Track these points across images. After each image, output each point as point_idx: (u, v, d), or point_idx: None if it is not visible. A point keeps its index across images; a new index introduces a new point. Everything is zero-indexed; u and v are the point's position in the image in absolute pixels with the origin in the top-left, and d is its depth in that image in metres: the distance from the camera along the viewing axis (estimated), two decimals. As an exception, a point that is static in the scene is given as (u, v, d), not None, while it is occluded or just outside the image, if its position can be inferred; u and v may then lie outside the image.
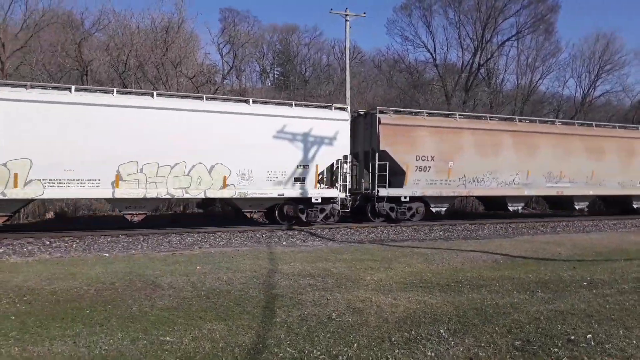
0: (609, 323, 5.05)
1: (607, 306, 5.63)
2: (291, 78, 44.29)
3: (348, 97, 22.08)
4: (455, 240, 14.00)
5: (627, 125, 23.29)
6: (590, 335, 4.73)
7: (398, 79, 38.21)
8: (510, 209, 19.27)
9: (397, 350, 4.61)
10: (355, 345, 4.76)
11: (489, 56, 34.73)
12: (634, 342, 4.54)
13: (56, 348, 4.58)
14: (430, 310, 5.90)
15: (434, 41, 35.83)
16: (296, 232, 14.62)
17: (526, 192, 19.07)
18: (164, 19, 27.58)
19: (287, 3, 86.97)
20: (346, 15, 22.38)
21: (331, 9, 22.40)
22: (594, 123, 21.63)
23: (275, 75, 47.76)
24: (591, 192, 20.35)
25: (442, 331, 5.08)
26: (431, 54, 35.72)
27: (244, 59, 35.76)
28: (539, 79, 36.61)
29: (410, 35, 36.40)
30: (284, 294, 6.71)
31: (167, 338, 4.88)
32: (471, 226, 17.49)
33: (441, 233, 15.67)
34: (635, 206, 21.66)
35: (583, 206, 21.04)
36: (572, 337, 4.71)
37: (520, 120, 19.77)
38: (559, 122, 21.05)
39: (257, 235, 13.91)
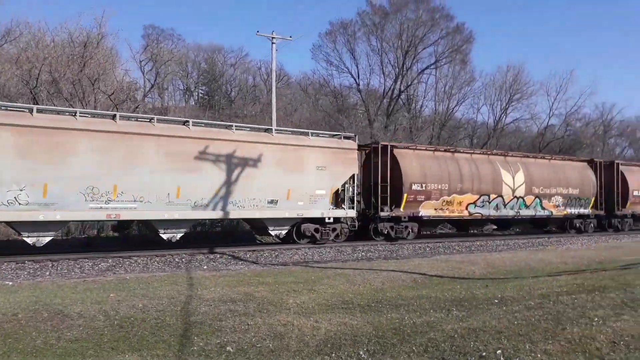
0: (517, 338, 5.31)
1: (516, 322, 5.93)
2: (216, 97, 43.82)
3: (274, 119, 22.19)
4: (376, 260, 14.27)
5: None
6: (500, 351, 4.95)
7: (323, 102, 38.91)
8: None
9: (317, 374, 4.59)
10: (275, 370, 4.69)
11: (409, 83, 36.28)
12: (539, 355, 4.80)
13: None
14: (351, 331, 5.94)
15: (357, 67, 36.98)
16: (218, 256, 14.31)
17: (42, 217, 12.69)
18: (83, 33, 26.53)
19: (212, 23, 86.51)
20: (272, 38, 22.59)
21: (258, 31, 22.56)
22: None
23: (200, 94, 47.04)
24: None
25: (361, 352, 5.13)
26: (355, 79, 36.82)
27: (166, 77, 34.97)
28: (455, 105, 38.73)
29: (334, 60, 37.36)
30: (202, 321, 6.50)
31: (74, 372, 4.57)
32: (391, 246, 17.95)
33: (363, 254, 15.94)
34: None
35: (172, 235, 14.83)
36: (484, 354, 4.91)
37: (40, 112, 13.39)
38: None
39: (176, 260, 13.47)
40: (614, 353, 4.76)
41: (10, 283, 9.66)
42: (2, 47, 26.58)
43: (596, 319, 5.78)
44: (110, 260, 12.89)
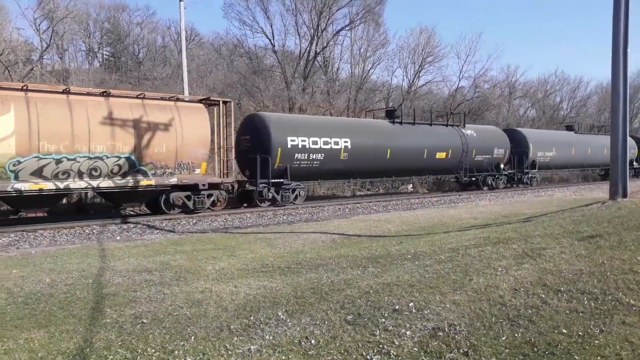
0: (428, 291, 5.59)
1: (427, 275, 6.22)
2: (123, 59, 41.25)
3: (185, 81, 21.34)
4: (297, 223, 14.41)
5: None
6: (412, 304, 5.18)
7: (238, 64, 37.86)
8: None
9: (236, 338, 4.57)
10: (192, 338, 4.62)
11: (325, 45, 36.06)
12: (448, 305, 5.08)
13: None
14: (270, 294, 5.97)
15: (272, 27, 36.10)
16: (132, 226, 13.78)
17: None
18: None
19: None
20: (180, -5, 21.48)
21: (164, -12, 21.27)
22: None
23: (105, 56, 44.06)
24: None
25: (280, 313, 5.17)
26: (270, 40, 35.99)
27: (64, 35, 32.33)
28: (371, 68, 39.09)
29: (248, 20, 36.18)
30: (116, 293, 6.26)
31: (-29, 356, 4.25)
32: (312, 209, 18.16)
33: (285, 217, 16.01)
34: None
35: None
36: (397, 307, 5.12)
37: None
38: None
39: (87, 231, 12.82)
40: (514, 299, 5.13)
41: None
42: None
43: (500, 269, 6.19)
44: (12, 235, 12.03)
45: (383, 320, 4.82)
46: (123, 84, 32.28)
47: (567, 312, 4.71)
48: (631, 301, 4.78)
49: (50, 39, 30.84)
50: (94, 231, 12.86)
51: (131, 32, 43.04)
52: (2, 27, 25.45)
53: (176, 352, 4.32)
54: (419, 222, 13.06)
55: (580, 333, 4.24)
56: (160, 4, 67.26)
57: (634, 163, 37.69)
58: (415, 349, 4.22)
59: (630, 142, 41.48)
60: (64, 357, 4.28)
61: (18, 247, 10.78)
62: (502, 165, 27.60)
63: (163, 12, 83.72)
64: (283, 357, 4.17)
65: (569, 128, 35.77)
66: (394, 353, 4.16)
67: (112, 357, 4.25)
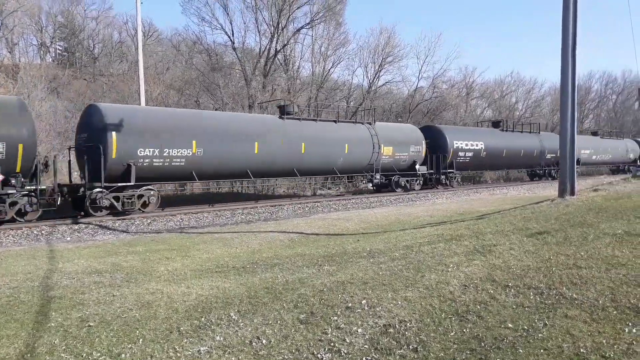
0: (380, 288, 5.63)
1: (381, 272, 6.27)
2: (77, 54, 39.99)
3: (142, 78, 20.86)
4: (256, 222, 14.30)
5: None
6: (364, 301, 5.20)
7: (197, 61, 37.30)
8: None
9: (185, 340, 4.49)
10: (140, 340, 4.50)
11: (286, 42, 35.94)
12: (399, 302, 5.13)
13: None
14: (223, 294, 5.88)
15: (231, 24, 35.74)
16: (83, 226, 13.37)
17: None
18: None
19: (70, -29, 77.99)
20: (136, -11, 20.98)
21: (119, -18, 20.73)
22: None
23: (58, 51, 42.58)
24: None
25: (232, 314, 5.10)
26: (229, 37, 35.60)
27: (14, 29, 31.08)
28: (331, 67, 39.26)
29: (207, 16, 35.68)
30: (62, 295, 6.04)
31: None
32: (272, 208, 18.07)
33: (243, 217, 15.87)
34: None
35: None
36: (350, 304, 5.14)
37: None
38: None
39: (35, 232, 12.36)
40: (464, 295, 5.23)
41: None
42: None
43: (451, 265, 6.30)
44: (-47, 237, 11.48)
45: (335, 318, 4.82)
46: (77, 80, 31.29)
47: (514, 307, 4.82)
48: (574, 295, 4.94)
49: (0, 31, 29.64)
50: (42, 232, 12.40)
51: (86, 27, 41.80)
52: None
53: (123, 355, 4.21)
54: (377, 220, 13.18)
55: (525, 327, 4.36)
56: (117, -2, 65.64)
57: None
58: (366, 346, 4.25)
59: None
60: (2, 363, 4.11)
61: (-40, 249, 10.29)
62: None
63: (120, 6, 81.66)
64: (233, 358, 4.12)
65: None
66: (345, 351, 4.17)
67: (54, 362, 4.10)
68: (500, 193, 24.35)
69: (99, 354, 4.25)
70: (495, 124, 32.52)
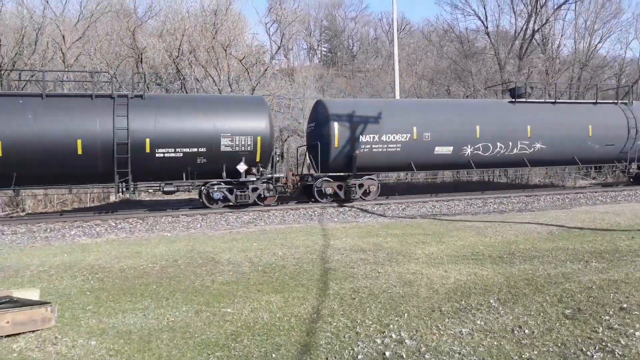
0: (665, 292, 4.98)
1: (665, 275, 5.53)
2: (339, 54, 44.03)
3: (397, 70, 21.89)
4: (509, 212, 13.80)
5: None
6: (644, 304, 4.70)
7: (449, 49, 37.26)
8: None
9: (447, 320, 4.75)
10: (405, 315, 4.93)
11: (544, 21, 33.20)
12: (691, 310, 4.49)
13: (128, 320, 5.01)
14: (481, 281, 5.98)
15: (485, 8, 34.70)
16: (347, 209, 14.84)
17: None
18: (213, 1, 28.07)
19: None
20: (392, -14, 22.01)
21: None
22: None
23: (323, 52, 47.56)
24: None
25: (492, 301, 5.17)
26: (482, 22, 34.59)
27: (291, 38, 35.88)
28: (599, 42, 34.78)
29: (459, 3, 35.36)
30: (336, 268, 6.95)
31: (228, 310, 5.22)
32: (526, 198, 17.15)
33: (495, 206, 15.47)
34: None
35: None
36: (625, 305, 4.70)
37: None
38: None
39: (309, 213, 14.23)
40: None
41: (169, 234, 11.03)
42: (147, 22, 29.18)
43: None
44: (251, 214, 14.02)
45: (607, 317, 4.48)
46: (339, 77, 34.53)
47: None
48: None
49: (281, 40, 34.55)
50: (315, 213, 14.23)
51: (346, 27, 45.67)
52: (243, 34, 29.47)
53: (391, 325, 4.69)
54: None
55: None
56: (372, -3, 69.64)
57: None
58: (645, 352, 3.87)
59: None
60: (296, 319, 4.98)
61: (256, 224, 12.53)
62: None
63: (375, 5, 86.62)
64: (495, 343, 4.21)
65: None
66: (620, 353, 3.87)
67: (335, 324, 4.81)
68: None
69: (370, 322, 4.82)
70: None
